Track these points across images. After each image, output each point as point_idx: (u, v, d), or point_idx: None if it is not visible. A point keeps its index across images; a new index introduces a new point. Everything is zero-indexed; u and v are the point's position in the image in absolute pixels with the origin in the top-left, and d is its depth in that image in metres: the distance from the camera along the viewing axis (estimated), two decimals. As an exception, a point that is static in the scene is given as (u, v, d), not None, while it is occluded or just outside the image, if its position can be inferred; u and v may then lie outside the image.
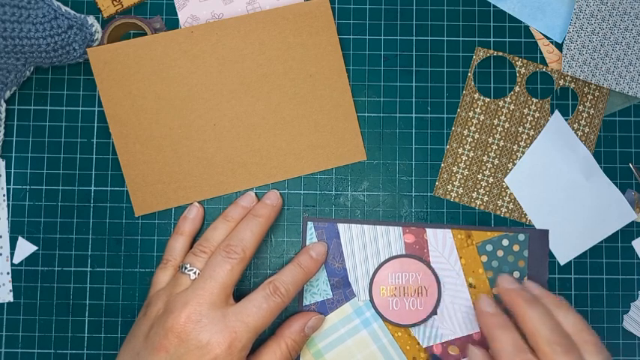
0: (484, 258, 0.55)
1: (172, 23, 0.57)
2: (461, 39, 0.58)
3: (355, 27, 0.57)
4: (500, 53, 0.57)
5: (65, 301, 0.55)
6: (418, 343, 0.55)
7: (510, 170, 0.56)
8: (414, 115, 0.57)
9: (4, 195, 0.56)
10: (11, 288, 0.55)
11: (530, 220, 0.56)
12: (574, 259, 0.56)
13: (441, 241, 0.55)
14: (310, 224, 0.56)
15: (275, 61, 0.56)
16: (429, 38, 0.57)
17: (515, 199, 0.56)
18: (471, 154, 0.56)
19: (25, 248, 0.56)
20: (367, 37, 0.57)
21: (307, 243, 0.55)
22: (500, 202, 0.56)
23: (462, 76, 0.57)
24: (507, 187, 0.56)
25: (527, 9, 0.57)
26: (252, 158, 0.56)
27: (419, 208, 0.56)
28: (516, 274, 0.55)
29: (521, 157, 0.56)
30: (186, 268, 0.50)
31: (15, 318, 0.55)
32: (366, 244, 0.55)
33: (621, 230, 0.56)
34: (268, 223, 0.53)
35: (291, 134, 0.56)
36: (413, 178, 0.57)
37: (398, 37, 0.57)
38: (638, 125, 0.57)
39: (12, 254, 0.56)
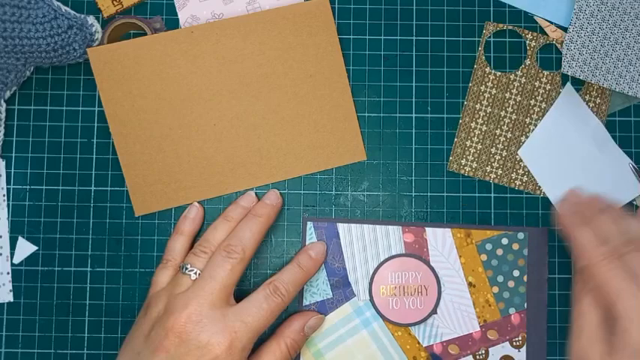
0: (484, 257, 0.55)
1: (172, 23, 0.57)
2: (461, 39, 0.58)
3: (355, 27, 0.57)
4: (510, 27, 0.57)
5: (65, 301, 0.55)
6: (418, 343, 0.55)
7: (523, 143, 0.56)
8: (414, 115, 0.57)
9: (4, 195, 0.56)
10: (11, 288, 0.55)
11: (544, 192, 0.56)
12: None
13: (440, 240, 0.55)
14: (310, 224, 0.56)
15: (275, 61, 0.56)
16: (429, 38, 0.57)
17: (528, 171, 0.56)
18: (484, 127, 0.56)
19: (25, 248, 0.56)
20: (367, 37, 0.57)
21: (307, 243, 0.55)
22: (514, 175, 0.56)
23: (462, 76, 0.57)
24: (521, 160, 0.56)
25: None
26: (252, 158, 0.56)
27: (419, 208, 0.56)
28: (516, 272, 0.55)
29: (533, 129, 0.56)
30: (186, 268, 0.50)
31: (15, 318, 0.55)
32: (366, 244, 0.55)
33: (621, 230, 0.57)
34: (268, 223, 0.53)
35: (291, 134, 0.56)
36: (413, 178, 0.57)
37: (398, 37, 0.57)
38: (638, 125, 0.57)
39: (12, 254, 0.56)
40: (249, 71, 0.56)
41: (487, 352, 0.55)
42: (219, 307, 0.48)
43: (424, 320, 0.55)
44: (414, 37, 0.58)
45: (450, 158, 0.57)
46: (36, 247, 0.56)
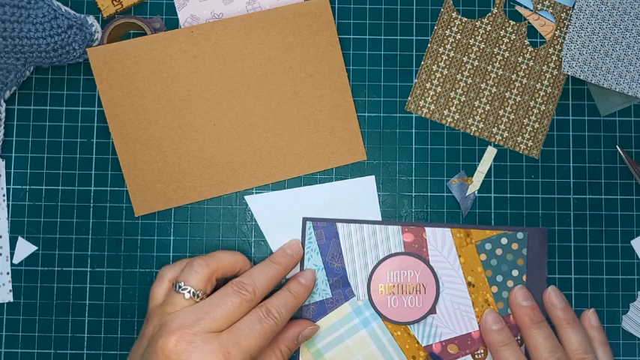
0: (483, 257, 0.55)
1: (172, 23, 0.57)
2: (461, 39, 0.58)
3: (355, 27, 0.57)
4: None
5: (65, 301, 0.55)
6: (417, 342, 0.55)
7: (483, 90, 0.56)
8: (414, 115, 0.57)
9: (4, 195, 0.56)
10: (11, 288, 0.55)
11: (498, 140, 0.56)
12: (574, 259, 0.56)
13: (440, 239, 0.55)
14: (309, 224, 0.56)
15: (275, 61, 0.56)
16: (429, 38, 0.57)
17: (485, 118, 0.56)
18: (445, 71, 0.57)
19: (25, 248, 0.56)
20: (367, 37, 0.57)
21: (306, 243, 0.55)
22: (470, 121, 0.56)
23: (461, 76, 0.57)
24: (477, 107, 0.56)
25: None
26: (252, 158, 0.56)
27: (419, 208, 0.56)
28: (515, 272, 0.55)
29: (494, 77, 0.56)
30: (179, 286, 0.49)
31: (15, 318, 0.55)
32: (365, 244, 0.55)
33: (621, 230, 0.57)
34: (285, 272, 0.53)
35: (291, 134, 0.56)
36: (413, 178, 0.57)
37: (398, 37, 0.57)
38: (638, 125, 0.57)
39: (12, 254, 0.56)
40: (249, 71, 0.56)
41: (486, 352, 0.55)
42: (214, 331, 0.47)
43: (422, 319, 0.55)
44: (414, 37, 0.58)
45: (409, 99, 0.57)
46: (36, 247, 0.56)
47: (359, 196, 0.56)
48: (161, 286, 0.51)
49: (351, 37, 0.57)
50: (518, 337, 0.54)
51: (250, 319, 0.48)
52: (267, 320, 0.49)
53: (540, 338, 0.51)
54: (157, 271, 0.53)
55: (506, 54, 0.57)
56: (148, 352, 0.47)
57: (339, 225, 0.56)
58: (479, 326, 0.55)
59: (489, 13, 0.57)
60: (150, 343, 0.47)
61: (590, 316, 0.54)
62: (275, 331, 0.49)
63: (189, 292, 0.49)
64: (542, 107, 0.57)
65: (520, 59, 0.57)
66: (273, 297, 0.51)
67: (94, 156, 0.56)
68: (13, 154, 0.56)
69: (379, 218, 0.56)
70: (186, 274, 0.50)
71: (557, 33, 0.57)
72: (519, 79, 0.57)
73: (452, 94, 0.57)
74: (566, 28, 0.57)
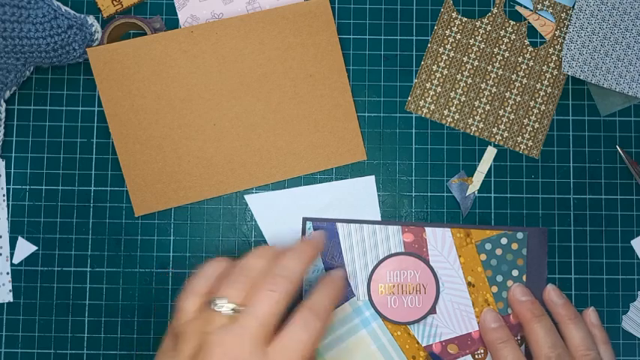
0: (483, 257, 0.55)
1: (172, 23, 0.57)
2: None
3: (355, 27, 0.57)
4: None
5: (65, 301, 0.55)
6: (417, 342, 0.55)
7: (483, 90, 0.56)
8: (414, 115, 0.57)
9: (4, 195, 0.56)
10: (11, 288, 0.55)
11: (498, 140, 0.56)
12: (574, 259, 0.56)
13: (440, 240, 0.55)
14: (309, 224, 0.56)
15: (275, 61, 0.56)
16: (429, 38, 0.57)
17: (485, 118, 0.56)
18: (445, 71, 0.57)
19: (25, 248, 0.56)
20: (367, 37, 0.57)
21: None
22: (470, 121, 0.56)
23: (461, 76, 0.57)
24: (477, 107, 0.56)
25: None
26: (252, 158, 0.56)
27: (419, 208, 0.56)
28: (515, 272, 0.55)
29: (494, 77, 0.56)
30: (216, 304, 0.45)
31: (15, 318, 0.55)
32: (365, 244, 0.55)
33: (621, 230, 0.57)
34: (313, 258, 0.49)
35: (291, 134, 0.56)
36: (413, 178, 0.57)
37: (398, 37, 0.57)
38: (638, 125, 0.57)
39: (12, 254, 0.56)
40: (249, 71, 0.56)
41: (486, 352, 0.55)
42: (261, 347, 0.43)
43: (422, 319, 0.55)
44: (414, 37, 0.58)
45: (409, 99, 0.57)
46: (36, 247, 0.56)
47: (359, 196, 0.56)
48: (192, 300, 0.47)
49: (351, 37, 0.57)
50: (518, 337, 0.54)
51: (295, 329, 0.45)
52: (314, 324, 0.45)
53: (542, 333, 0.51)
54: (185, 283, 0.48)
55: (506, 54, 0.57)
56: None
57: (339, 225, 0.56)
58: (479, 326, 0.55)
59: (489, 13, 0.57)
60: None
61: (591, 314, 0.54)
62: (322, 333, 0.46)
63: (228, 308, 0.45)
64: (542, 107, 0.57)
65: (520, 59, 0.57)
66: (313, 295, 0.48)
67: (94, 156, 0.56)
68: (13, 154, 0.56)
69: (379, 218, 0.56)
70: (225, 288, 0.46)
71: (557, 33, 0.57)
72: (519, 79, 0.57)
73: (452, 94, 0.57)
74: (566, 28, 0.57)
